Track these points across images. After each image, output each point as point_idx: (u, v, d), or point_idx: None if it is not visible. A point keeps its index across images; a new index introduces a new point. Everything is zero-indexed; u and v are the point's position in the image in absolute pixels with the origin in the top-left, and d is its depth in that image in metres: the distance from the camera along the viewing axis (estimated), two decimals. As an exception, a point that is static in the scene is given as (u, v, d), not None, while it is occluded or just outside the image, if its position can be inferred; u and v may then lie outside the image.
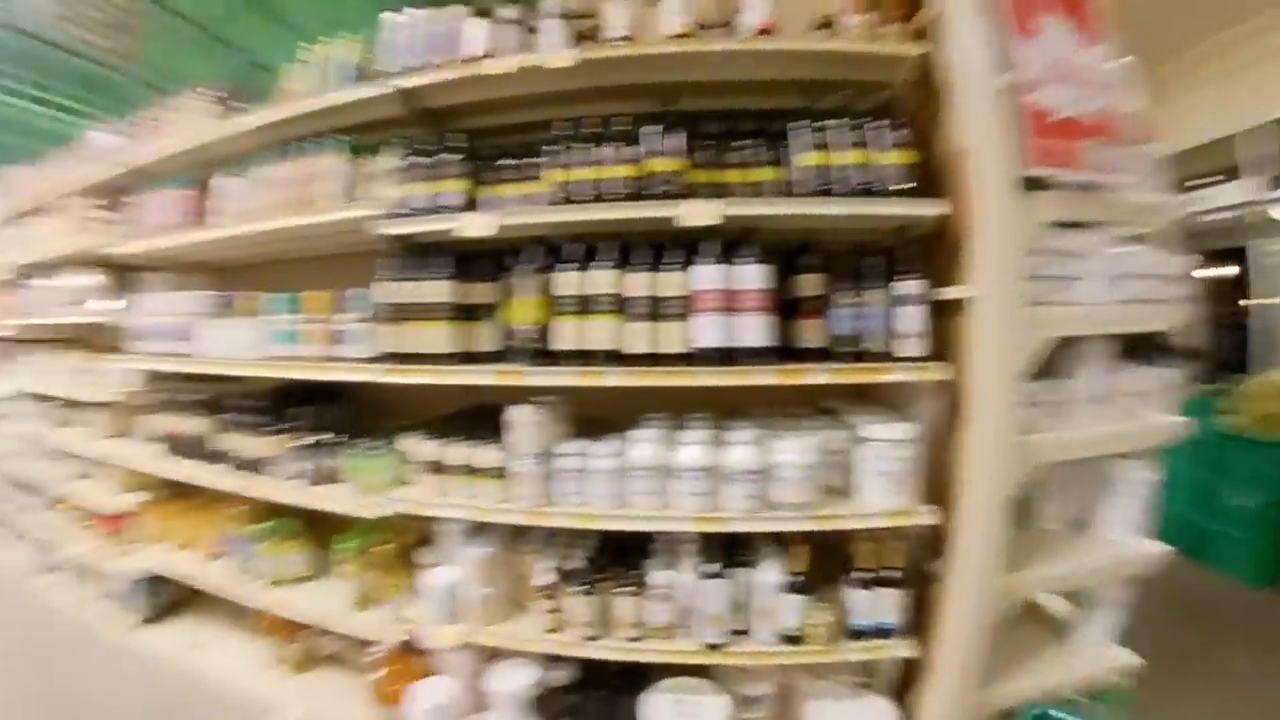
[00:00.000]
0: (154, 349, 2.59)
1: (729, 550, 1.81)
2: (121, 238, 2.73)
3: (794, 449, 1.71)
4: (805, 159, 1.71)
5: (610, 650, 1.84)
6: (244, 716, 2.40)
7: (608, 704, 1.91)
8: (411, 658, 2.14)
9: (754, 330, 1.67)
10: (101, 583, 3.16)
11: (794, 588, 1.74)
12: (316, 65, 2.23)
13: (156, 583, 2.99)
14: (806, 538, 1.76)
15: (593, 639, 1.85)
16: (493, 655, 2.04)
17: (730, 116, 1.86)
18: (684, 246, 1.72)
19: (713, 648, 1.78)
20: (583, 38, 1.86)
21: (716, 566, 1.77)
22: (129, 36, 5.98)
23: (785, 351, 1.71)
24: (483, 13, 1.93)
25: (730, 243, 1.72)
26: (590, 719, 1.94)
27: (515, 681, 1.97)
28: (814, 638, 1.75)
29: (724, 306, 1.67)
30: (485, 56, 1.87)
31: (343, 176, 2.08)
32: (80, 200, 3.07)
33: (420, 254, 1.88)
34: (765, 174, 1.74)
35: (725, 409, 1.99)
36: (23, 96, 7.90)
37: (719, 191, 1.72)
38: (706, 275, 1.68)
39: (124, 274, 2.88)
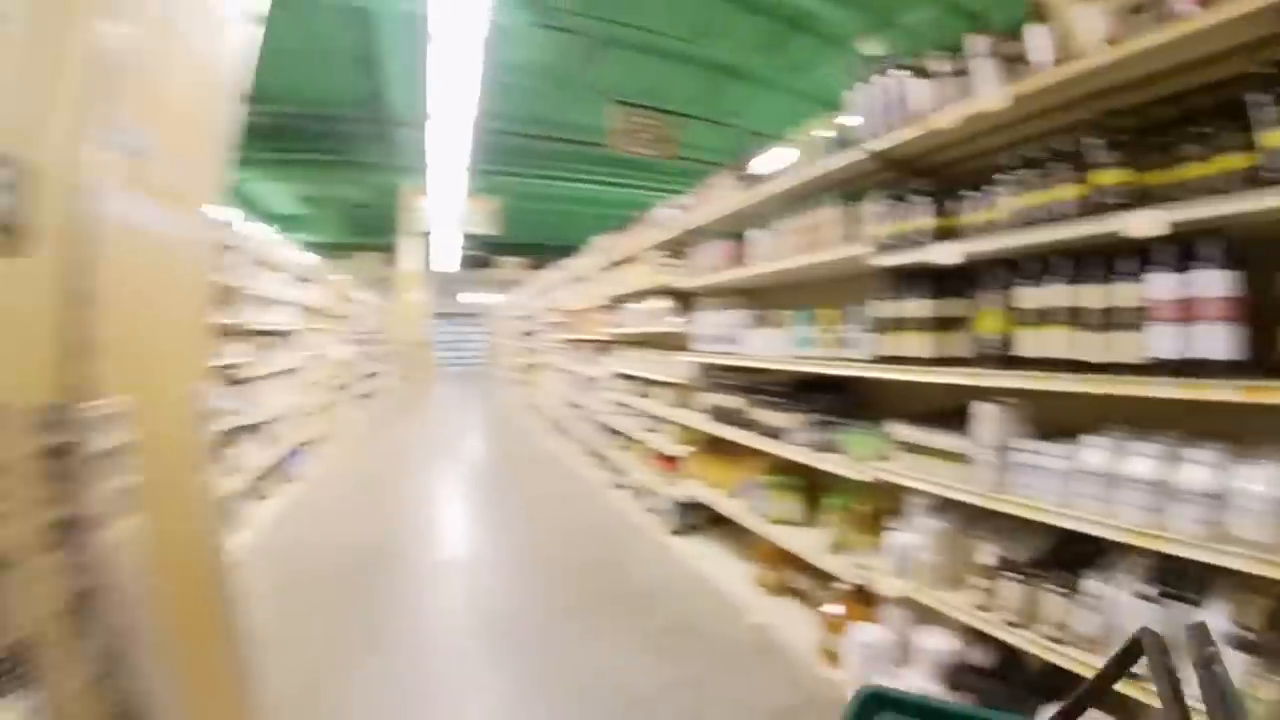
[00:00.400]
0: (708, 349, 4.05)
1: (1177, 581, 1.77)
2: (683, 276, 4.31)
3: (1264, 477, 1.56)
4: (1273, 137, 1.53)
5: (1028, 642, 2.02)
6: (726, 609, 3.65)
7: (1012, 699, 2.04)
8: (860, 602, 2.74)
9: (1218, 340, 1.64)
10: (651, 501, 5.08)
11: (1241, 644, 1.54)
12: (804, 142, 3.24)
13: (687, 508, 4.68)
14: (1270, 588, 1.56)
15: (1014, 626, 2.07)
16: (925, 617, 2.47)
17: (1172, 101, 1.86)
18: (1140, 253, 1.80)
19: (1132, 677, 1.76)
20: (1010, 61, 2.14)
21: (1153, 590, 1.75)
22: (669, 144, 8.65)
23: (1270, 366, 1.60)
24: (920, 72, 2.50)
25: (1194, 243, 1.70)
26: (991, 705, 2.06)
27: (938, 645, 2.36)
28: (1254, 714, 1.48)
29: (1181, 315, 1.71)
30: (931, 112, 2.41)
31: (839, 223, 2.99)
32: (653, 252, 4.87)
33: (903, 278, 2.58)
34: (1228, 162, 1.63)
35: (1198, 426, 1.86)
36: (596, 183, 12.60)
37: (1172, 192, 1.74)
38: (1160, 284, 1.75)
39: (684, 299, 4.49)
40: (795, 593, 3.54)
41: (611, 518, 5.62)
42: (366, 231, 20.06)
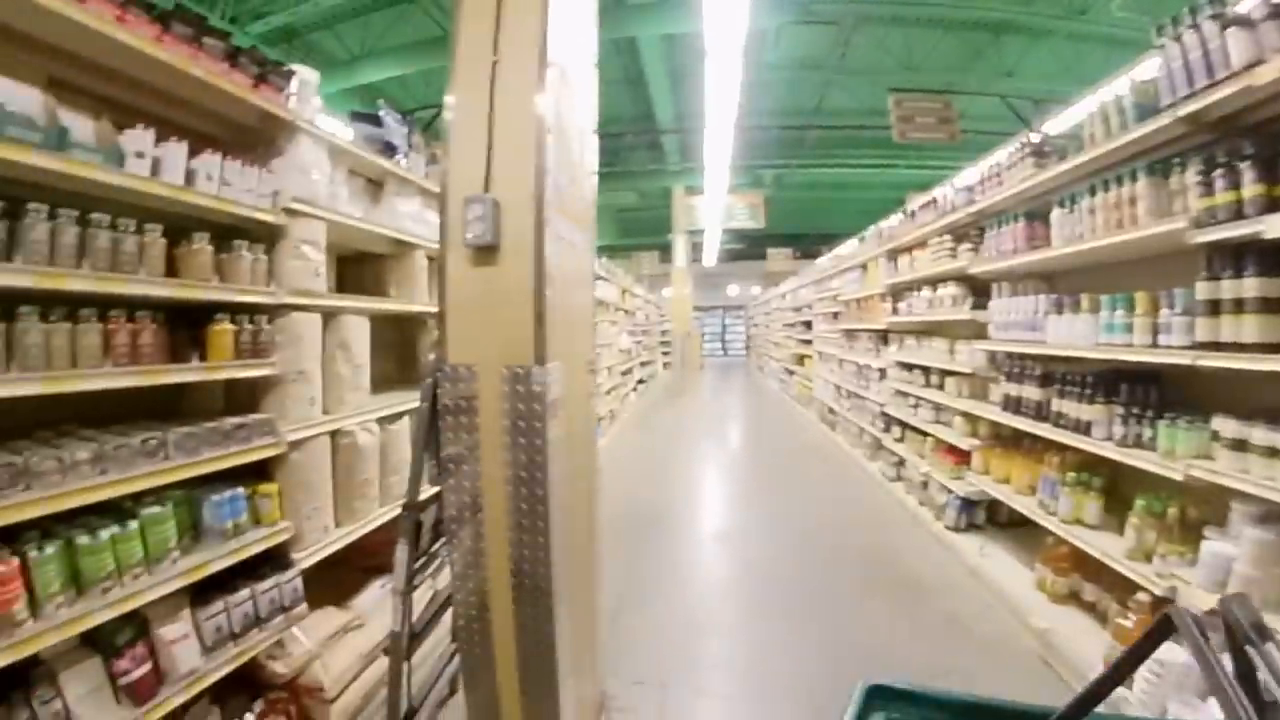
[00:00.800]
0: (1004, 337, 4.15)
1: None
2: (974, 260, 4.45)
3: None
4: None
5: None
6: (1005, 610, 3.70)
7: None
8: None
9: None
10: (929, 494, 5.29)
11: None
12: (1102, 108, 3.25)
13: (969, 504, 4.79)
14: None
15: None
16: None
17: None
18: None
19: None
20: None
21: None
22: (950, 124, 8.71)
23: None
24: (1235, 21, 2.38)
25: None
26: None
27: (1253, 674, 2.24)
28: None
29: None
30: (1250, 64, 2.27)
31: (1150, 196, 2.94)
32: (937, 237, 5.04)
33: (1229, 254, 2.49)
34: None
35: None
36: (858, 166, 13.24)
37: None
38: None
39: (974, 284, 4.61)
40: (1083, 601, 3.50)
41: (888, 508, 5.90)
42: (634, 233, 22.58)
